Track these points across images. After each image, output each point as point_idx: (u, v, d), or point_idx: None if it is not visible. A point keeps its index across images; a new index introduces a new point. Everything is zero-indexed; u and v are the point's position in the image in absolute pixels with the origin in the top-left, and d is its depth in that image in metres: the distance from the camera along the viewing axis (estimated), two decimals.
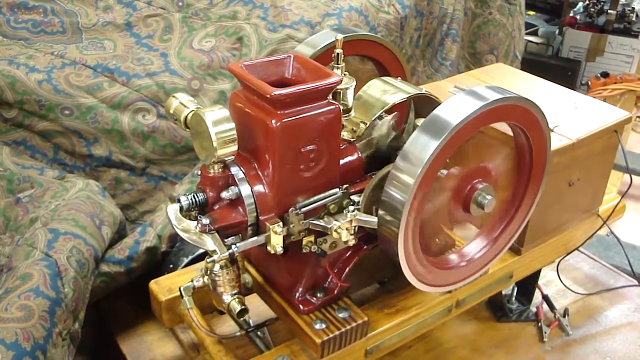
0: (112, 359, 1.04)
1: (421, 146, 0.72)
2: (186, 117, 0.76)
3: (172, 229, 1.11)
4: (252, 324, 0.95)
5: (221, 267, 0.79)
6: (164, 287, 0.93)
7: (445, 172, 0.82)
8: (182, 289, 0.82)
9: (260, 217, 0.75)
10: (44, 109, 1.25)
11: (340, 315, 0.83)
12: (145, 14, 1.43)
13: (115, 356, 1.02)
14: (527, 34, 3.59)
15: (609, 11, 3.38)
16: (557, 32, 3.67)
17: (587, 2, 3.57)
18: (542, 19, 3.87)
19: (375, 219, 0.77)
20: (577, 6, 3.66)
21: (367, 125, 0.84)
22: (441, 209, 0.82)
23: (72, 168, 1.29)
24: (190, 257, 1.03)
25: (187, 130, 0.76)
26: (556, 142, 0.94)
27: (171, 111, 0.78)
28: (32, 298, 0.77)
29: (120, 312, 1.09)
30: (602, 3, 3.49)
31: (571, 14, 3.62)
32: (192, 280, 0.82)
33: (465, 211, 0.82)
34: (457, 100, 0.74)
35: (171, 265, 1.04)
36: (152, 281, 0.94)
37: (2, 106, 1.26)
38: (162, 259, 1.08)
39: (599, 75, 3.24)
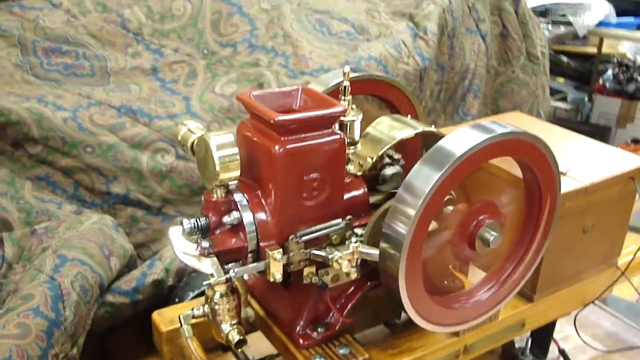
0: None
1: (423, 177, 0.72)
2: (193, 142, 0.77)
3: (180, 263, 1.12)
4: None
5: (221, 296, 0.78)
6: (166, 318, 0.92)
7: (450, 208, 0.81)
8: (181, 317, 0.82)
9: (260, 244, 0.75)
10: (67, 146, 1.28)
11: (341, 351, 0.81)
12: (171, 60, 1.48)
13: None
14: (556, 100, 3.61)
15: (639, 78, 3.38)
16: (586, 99, 3.66)
17: (616, 69, 3.57)
18: (571, 85, 3.88)
19: (377, 252, 0.76)
20: (607, 74, 3.66)
21: (374, 160, 0.84)
22: (446, 245, 0.80)
23: (90, 205, 1.31)
24: (196, 292, 1.03)
25: (193, 155, 0.78)
26: (568, 185, 0.92)
27: (179, 138, 0.80)
28: (31, 317, 0.77)
29: (125, 346, 1.08)
30: (631, 71, 3.49)
31: (600, 81, 3.62)
32: (192, 309, 0.82)
33: (471, 248, 0.80)
34: (462, 132, 0.74)
35: (177, 300, 1.03)
36: (155, 312, 0.93)
37: (28, 142, 1.30)
38: (168, 293, 1.08)
39: (629, 141, 3.22)
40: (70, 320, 0.83)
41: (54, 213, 1.22)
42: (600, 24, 2.82)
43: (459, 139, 0.73)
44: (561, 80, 3.96)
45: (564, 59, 3.99)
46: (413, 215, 0.71)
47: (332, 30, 1.50)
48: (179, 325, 0.82)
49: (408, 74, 1.43)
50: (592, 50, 3.87)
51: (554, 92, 3.73)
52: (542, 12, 2.58)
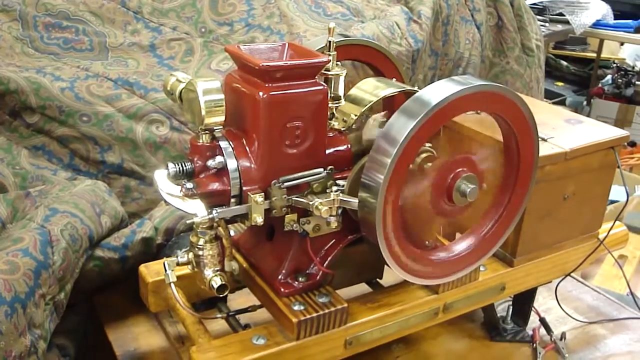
0: (100, 347, 1.04)
1: (399, 126, 0.74)
2: (181, 91, 0.80)
3: (169, 222, 1.14)
4: (239, 320, 0.95)
5: (205, 242, 0.81)
6: (152, 270, 0.94)
7: (430, 164, 0.83)
8: (165, 263, 0.84)
9: (243, 188, 0.77)
10: (63, 115, 1.31)
11: (320, 300, 0.83)
12: (169, 38, 1.50)
13: (104, 345, 1.03)
14: (554, 103, 3.63)
15: (637, 83, 3.41)
16: (584, 102, 3.69)
17: (615, 74, 3.60)
18: (570, 89, 3.91)
19: (356, 200, 0.79)
20: (606, 78, 3.69)
21: (358, 116, 0.86)
22: (426, 197, 0.82)
23: (85, 174, 1.33)
24: (184, 250, 1.04)
25: (181, 103, 0.80)
26: (548, 149, 0.94)
27: (168, 88, 0.82)
28: (20, 256, 0.79)
29: (112, 305, 1.10)
30: (630, 75, 3.52)
31: (599, 86, 3.65)
32: (176, 256, 0.84)
33: (449, 200, 0.82)
34: (438, 84, 0.77)
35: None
36: (142, 265, 0.96)
37: (26, 111, 1.32)
38: (157, 252, 1.10)
39: (626, 144, 3.24)
40: (58, 265, 0.85)
41: (48, 179, 1.24)
42: (598, 24, 2.84)
43: (435, 91, 0.76)
44: (560, 84, 3.99)
45: (564, 63, 4.03)
46: (389, 163, 0.74)
47: (327, 12, 1.52)
48: (164, 271, 0.84)
49: (401, 55, 1.46)
50: (592, 55, 3.91)
51: (553, 95, 3.76)
52: (540, 10, 2.61)
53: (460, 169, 0.81)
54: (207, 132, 0.77)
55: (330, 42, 0.85)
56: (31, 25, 1.47)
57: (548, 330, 1.09)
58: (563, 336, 1.08)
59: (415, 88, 0.89)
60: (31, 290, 0.77)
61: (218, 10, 1.54)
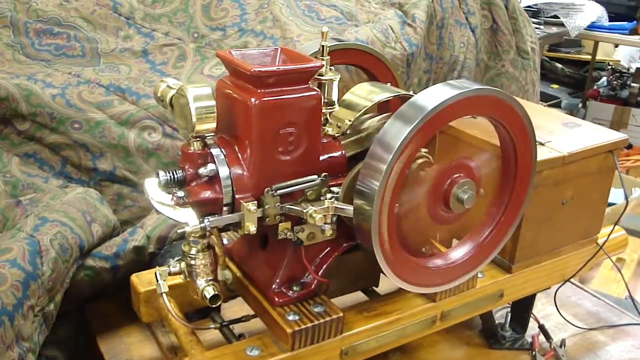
0: (92, 357, 1.02)
1: (394, 132, 0.73)
2: (171, 98, 0.78)
3: (162, 230, 1.12)
4: (232, 330, 0.93)
5: (197, 251, 0.79)
6: (144, 280, 0.93)
7: (426, 170, 0.82)
8: (157, 273, 0.82)
9: (236, 196, 0.76)
10: (55, 122, 1.29)
11: (315, 309, 0.82)
12: (161, 43, 1.49)
13: (95, 356, 1.01)
14: (550, 105, 3.63)
15: (632, 84, 3.41)
16: (580, 104, 3.69)
17: (610, 76, 3.60)
18: (566, 92, 3.91)
19: (351, 207, 0.77)
20: (601, 80, 3.69)
21: (352, 122, 0.85)
22: (422, 204, 0.81)
23: (77, 182, 1.31)
24: (177, 259, 1.02)
25: (172, 109, 0.78)
26: (546, 154, 0.93)
27: (159, 94, 0.80)
28: (7, 267, 0.78)
29: (104, 315, 1.08)
30: (625, 77, 3.51)
31: (594, 88, 3.65)
32: (168, 266, 0.82)
33: (446, 207, 0.81)
34: (434, 89, 0.75)
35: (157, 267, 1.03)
36: (134, 275, 0.94)
37: (17, 119, 1.31)
38: (149, 261, 1.08)
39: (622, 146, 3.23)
40: (47, 275, 0.83)
41: (40, 187, 1.23)
42: (593, 26, 2.84)
43: (431, 95, 0.74)
44: (555, 86, 3.99)
45: (559, 65, 4.02)
46: (384, 169, 0.72)
47: (321, 16, 1.51)
48: (156, 281, 0.82)
49: (395, 59, 1.44)
50: (586, 57, 3.91)
51: (548, 97, 3.76)
52: (535, 12, 2.61)
53: (457, 175, 0.79)
54: (198, 139, 0.76)
55: (323, 46, 0.83)
56: (22, 31, 1.46)
57: (547, 337, 1.08)
58: (563, 343, 1.07)
59: (411, 92, 0.88)
60: (19, 302, 0.75)
61: (210, 15, 1.53)
